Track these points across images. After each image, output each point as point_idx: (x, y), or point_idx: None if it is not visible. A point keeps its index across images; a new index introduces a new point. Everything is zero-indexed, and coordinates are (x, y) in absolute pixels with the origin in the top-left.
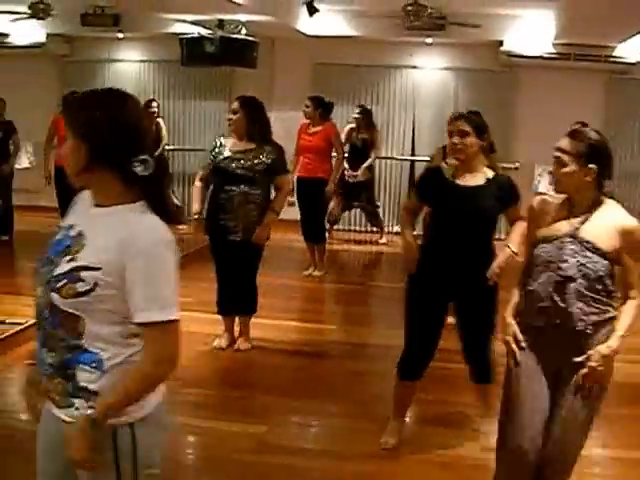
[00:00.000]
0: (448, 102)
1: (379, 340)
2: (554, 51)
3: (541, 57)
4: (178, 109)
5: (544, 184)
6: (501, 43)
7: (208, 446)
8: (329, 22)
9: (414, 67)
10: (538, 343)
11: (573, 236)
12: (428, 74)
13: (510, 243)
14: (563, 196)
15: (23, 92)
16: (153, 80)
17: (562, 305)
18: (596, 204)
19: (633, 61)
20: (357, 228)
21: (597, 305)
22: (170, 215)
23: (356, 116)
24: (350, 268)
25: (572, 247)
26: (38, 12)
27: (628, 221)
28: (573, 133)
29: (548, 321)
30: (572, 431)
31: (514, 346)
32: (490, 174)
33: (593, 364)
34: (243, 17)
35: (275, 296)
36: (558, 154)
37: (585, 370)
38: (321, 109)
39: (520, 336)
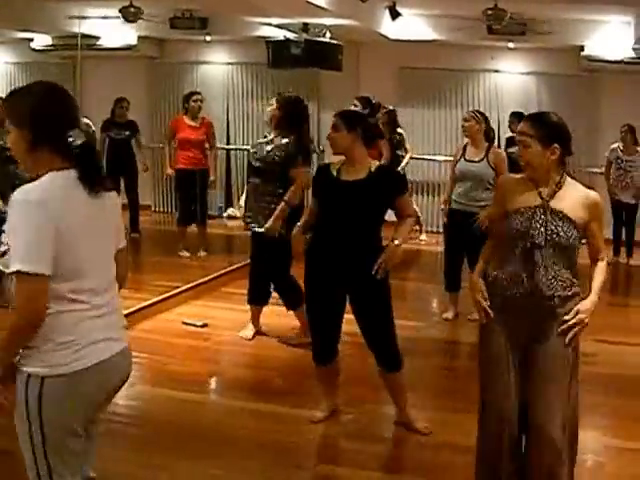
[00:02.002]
0: (531, 106)
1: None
2: (635, 56)
3: (622, 62)
4: (264, 110)
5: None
6: (582, 48)
7: (281, 431)
8: (412, 26)
9: (496, 71)
10: (509, 311)
11: (544, 207)
12: (510, 78)
13: (398, 238)
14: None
15: (114, 93)
16: (240, 82)
17: (532, 273)
18: (562, 180)
19: None
20: None
21: (565, 276)
22: (94, 181)
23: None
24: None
25: (543, 217)
26: (129, 15)
27: (594, 195)
28: (532, 116)
29: (518, 289)
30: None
31: (484, 304)
32: (374, 167)
33: (582, 316)
34: (327, 21)
35: None
36: (522, 137)
37: (574, 320)
38: (369, 109)
39: (486, 294)
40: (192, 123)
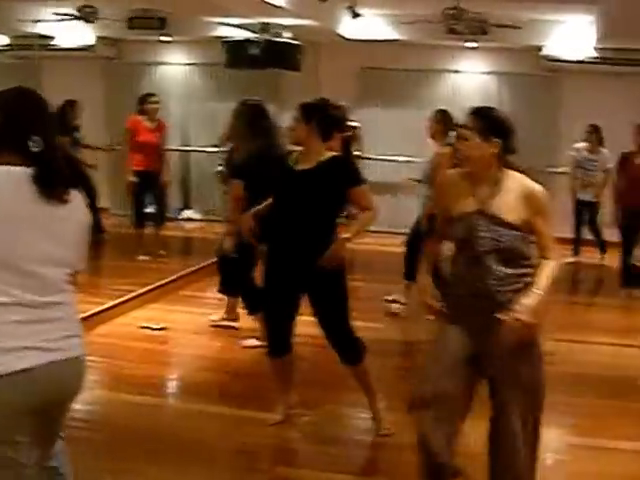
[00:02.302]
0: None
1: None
2: (596, 55)
3: (583, 62)
4: (223, 111)
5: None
6: (542, 48)
7: (242, 434)
8: (372, 26)
9: (457, 71)
10: (462, 310)
11: (481, 211)
12: (470, 78)
13: (348, 232)
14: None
15: (70, 94)
16: (198, 83)
17: (480, 276)
18: (501, 177)
19: None
20: None
21: (514, 277)
22: (46, 183)
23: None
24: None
25: (482, 222)
26: (86, 15)
27: (535, 188)
28: (474, 110)
29: (470, 290)
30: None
31: (436, 305)
32: (325, 157)
33: (521, 316)
34: (287, 21)
35: None
36: (461, 130)
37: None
38: None
39: (435, 295)
40: (150, 125)
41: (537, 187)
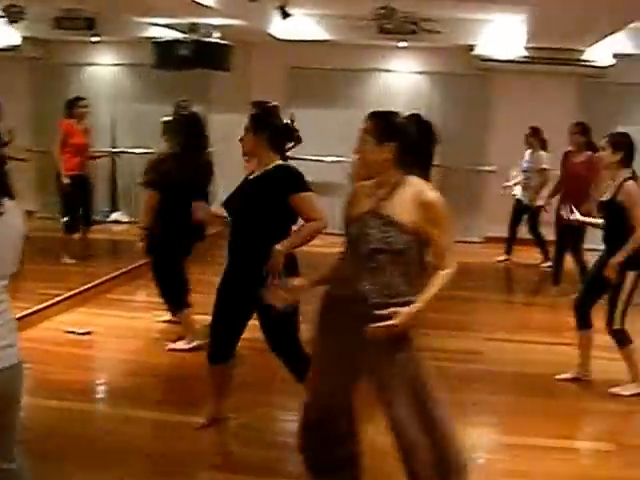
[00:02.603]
0: (421, 105)
1: None
2: (526, 55)
3: (513, 61)
4: (153, 113)
5: (518, 188)
6: (473, 47)
7: (170, 438)
8: (302, 26)
9: (387, 71)
10: (336, 311)
11: (373, 211)
12: (401, 77)
13: (282, 244)
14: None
15: None
16: (127, 84)
17: (360, 277)
18: (399, 182)
19: (605, 64)
20: None
21: (394, 283)
22: None
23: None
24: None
25: (372, 222)
26: (11, 15)
27: (430, 195)
28: (372, 113)
29: (346, 291)
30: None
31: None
32: (271, 166)
33: (394, 320)
34: (216, 21)
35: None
36: (360, 133)
37: (385, 322)
38: None
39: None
40: (80, 128)
41: (433, 196)
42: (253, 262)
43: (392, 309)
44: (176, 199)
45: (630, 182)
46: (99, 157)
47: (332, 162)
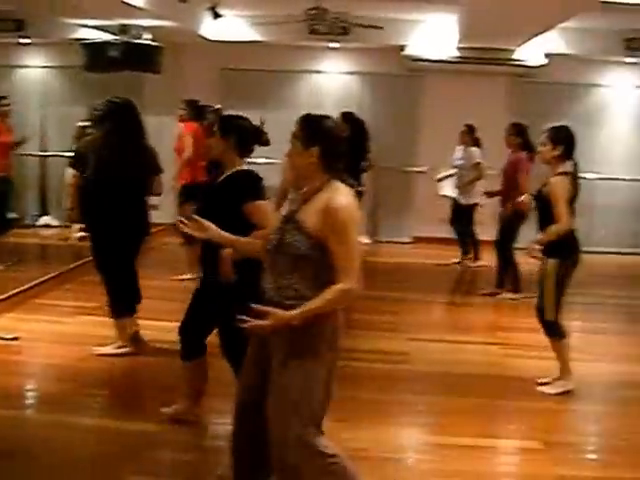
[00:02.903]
0: (352, 106)
1: None
2: (457, 55)
3: (444, 61)
4: (83, 115)
5: (448, 186)
6: (404, 47)
7: (102, 444)
8: (233, 27)
9: (319, 72)
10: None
11: (288, 215)
12: (332, 78)
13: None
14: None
15: None
16: (57, 86)
17: (267, 279)
18: (321, 187)
19: (535, 64)
20: None
21: (295, 287)
22: None
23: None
24: None
25: (287, 226)
26: None
27: (335, 202)
28: (301, 117)
29: (266, 295)
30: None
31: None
32: (233, 171)
33: (267, 322)
34: (146, 22)
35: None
36: (291, 138)
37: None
38: (194, 112)
39: None
40: (4, 127)
41: (339, 203)
42: (214, 265)
43: (269, 309)
44: (115, 193)
45: (558, 177)
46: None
47: (263, 164)
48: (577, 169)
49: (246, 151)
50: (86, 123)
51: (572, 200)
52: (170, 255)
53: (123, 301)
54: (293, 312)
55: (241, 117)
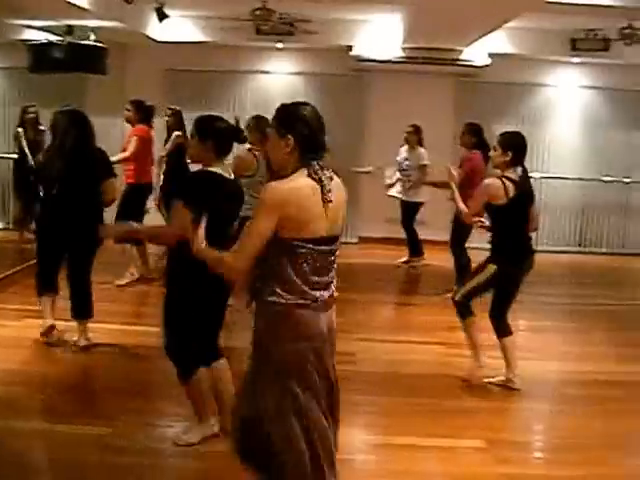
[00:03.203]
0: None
1: None
2: (402, 55)
3: (390, 61)
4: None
5: (396, 187)
6: (351, 48)
7: (52, 449)
8: (180, 28)
9: (265, 72)
10: None
11: None
12: (279, 79)
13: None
14: None
15: None
16: (2, 87)
17: None
18: (290, 175)
19: (480, 64)
20: None
21: (264, 282)
22: None
23: (167, 118)
24: None
25: None
26: None
27: (269, 183)
28: (278, 107)
29: None
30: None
31: None
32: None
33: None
34: (92, 23)
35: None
36: (268, 130)
37: None
38: (141, 113)
39: None
40: None
41: (268, 184)
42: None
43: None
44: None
45: (498, 181)
46: None
47: None
48: (527, 175)
49: (224, 152)
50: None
51: (527, 206)
52: (118, 257)
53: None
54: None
55: (218, 118)
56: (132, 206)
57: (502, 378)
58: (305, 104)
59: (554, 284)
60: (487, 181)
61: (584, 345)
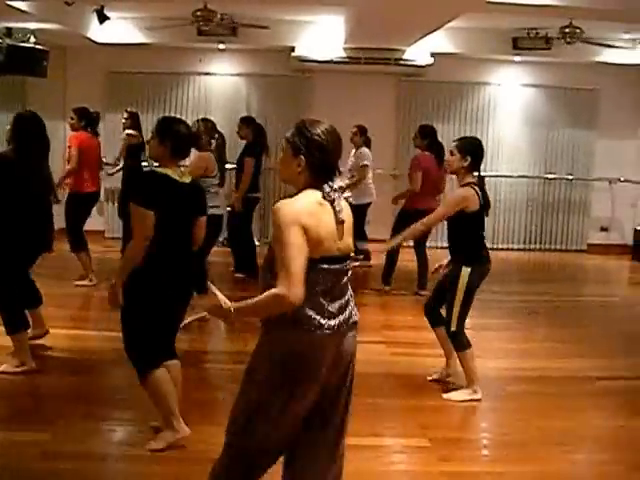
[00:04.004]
0: (240, 108)
1: None
2: (345, 55)
3: (332, 61)
4: None
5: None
6: (294, 48)
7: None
8: (121, 30)
9: (208, 73)
10: None
11: None
12: (221, 80)
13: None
14: None
15: None
16: None
17: None
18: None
19: (422, 64)
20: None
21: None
22: None
23: (124, 121)
24: None
25: None
26: None
27: (278, 203)
28: (297, 123)
29: None
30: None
31: None
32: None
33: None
34: (32, 25)
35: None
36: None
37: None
38: (85, 120)
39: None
40: None
41: (278, 204)
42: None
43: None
44: (15, 207)
45: (462, 189)
46: None
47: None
48: (483, 182)
49: (181, 156)
50: None
51: (483, 212)
52: (62, 262)
53: (18, 315)
54: (233, 304)
55: (179, 121)
56: (75, 215)
57: (467, 397)
58: (323, 123)
59: (499, 282)
60: (462, 192)
61: (526, 342)
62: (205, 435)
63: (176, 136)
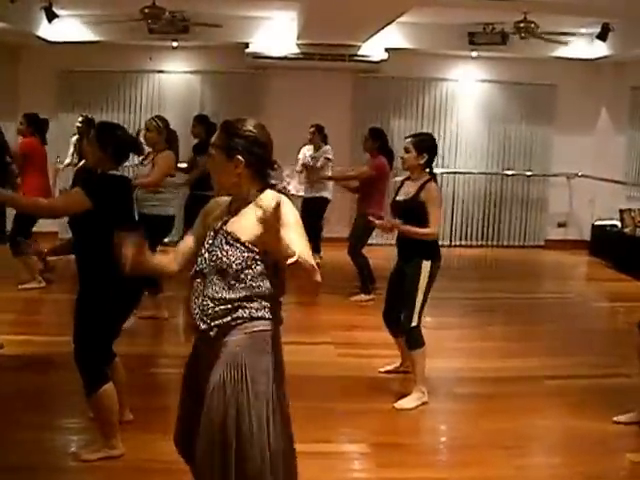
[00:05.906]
0: (194, 106)
1: None
2: (299, 51)
3: (286, 58)
4: None
5: (294, 185)
6: (248, 45)
7: None
8: (71, 27)
9: (160, 71)
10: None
11: (217, 230)
12: (174, 78)
13: None
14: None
15: None
16: None
17: (193, 302)
18: (254, 196)
19: (377, 59)
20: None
21: (228, 305)
22: None
23: (78, 125)
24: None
25: (214, 241)
26: None
27: (268, 202)
28: (221, 124)
29: (189, 320)
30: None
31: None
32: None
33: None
34: None
35: None
36: (210, 148)
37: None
38: (32, 126)
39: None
40: None
41: (272, 202)
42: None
43: (238, 338)
44: None
45: (433, 184)
46: None
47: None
48: (435, 179)
49: (121, 161)
50: None
51: None
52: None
53: None
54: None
55: (119, 127)
56: (24, 221)
57: (418, 403)
58: (249, 119)
59: (456, 278)
60: (435, 188)
61: (478, 341)
62: (139, 442)
63: (117, 142)
